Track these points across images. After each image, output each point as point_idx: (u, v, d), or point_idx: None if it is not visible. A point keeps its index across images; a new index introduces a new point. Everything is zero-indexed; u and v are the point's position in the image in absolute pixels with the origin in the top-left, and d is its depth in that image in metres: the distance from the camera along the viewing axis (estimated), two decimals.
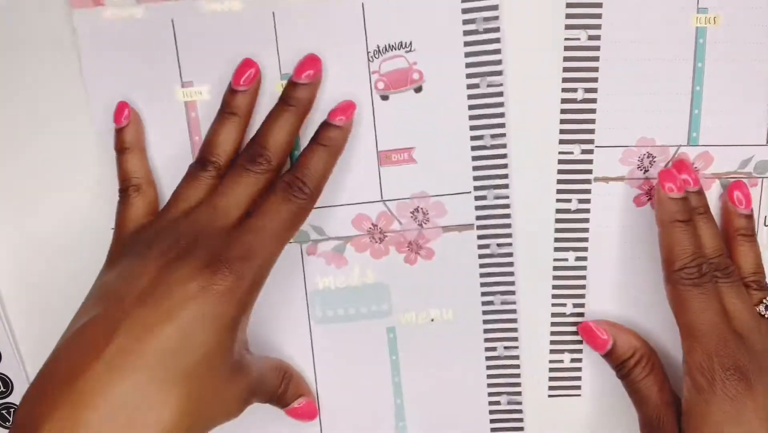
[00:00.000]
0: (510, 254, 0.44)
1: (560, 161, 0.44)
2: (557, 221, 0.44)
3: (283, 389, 0.43)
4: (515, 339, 0.45)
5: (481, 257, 0.44)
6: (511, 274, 0.45)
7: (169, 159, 0.43)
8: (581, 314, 0.45)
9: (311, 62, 0.42)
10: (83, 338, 0.36)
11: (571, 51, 0.42)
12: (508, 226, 0.44)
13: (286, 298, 0.45)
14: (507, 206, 0.44)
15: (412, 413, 0.46)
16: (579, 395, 0.46)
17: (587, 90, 0.43)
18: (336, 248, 0.44)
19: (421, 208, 0.44)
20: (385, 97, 0.43)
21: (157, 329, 0.35)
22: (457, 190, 0.44)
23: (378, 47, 0.42)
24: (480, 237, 0.44)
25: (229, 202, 0.39)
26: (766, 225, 0.45)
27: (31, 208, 0.44)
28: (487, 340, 0.45)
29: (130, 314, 0.36)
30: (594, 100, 0.43)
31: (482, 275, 0.45)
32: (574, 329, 0.45)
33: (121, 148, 0.43)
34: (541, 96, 0.43)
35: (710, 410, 0.39)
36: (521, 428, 0.46)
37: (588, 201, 0.44)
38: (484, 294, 0.45)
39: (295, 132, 0.42)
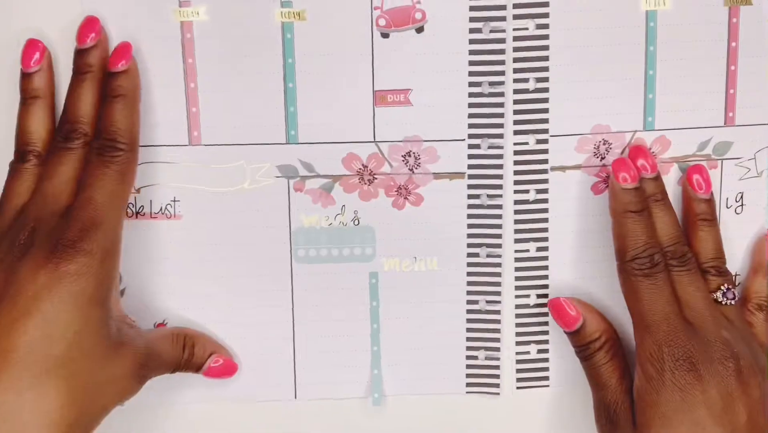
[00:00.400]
0: (499, 206, 0.44)
1: (516, 152, 0.43)
2: (516, 212, 0.44)
3: (188, 354, 0.43)
4: (498, 294, 0.45)
5: (470, 207, 0.44)
6: (499, 227, 0.44)
7: (160, 83, 0.42)
8: (545, 305, 0.45)
9: (90, 25, 0.41)
10: None
11: (520, 41, 0.42)
12: (500, 177, 0.43)
13: (269, 234, 0.44)
14: (500, 156, 0.43)
15: (388, 362, 0.45)
16: (547, 386, 0.46)
17: (538, 80, 0.43)
18: (324, 186, 0.44)
19: (413, 153, 0.43)
20: (385, 35, 0.42)
21: (19, 324, 0.35)
22: (451, 137, 0.43)
23: None
24: (470, 186, 0.44)
25: (57, 184, 0.39)
26: (728, 207, 0.44)
27: None
28: (469, 293, 0.45)
29: None
30: (546, 90, 0.43)
31: (470, 226, 0.44)
32: (538, 320, 0.45)
33: (27, 97, 0.41)
34: None
35: (660, 399, 0.39)
36: (497, 384, 0.46)
37: (546, 191, 0.44)
38: (470, 245, 0.44)
39: (100, 95, 0.41)
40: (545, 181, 0.44)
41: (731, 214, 0.44)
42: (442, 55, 0.42)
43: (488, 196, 0.44)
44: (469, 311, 0.45)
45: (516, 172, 0.44)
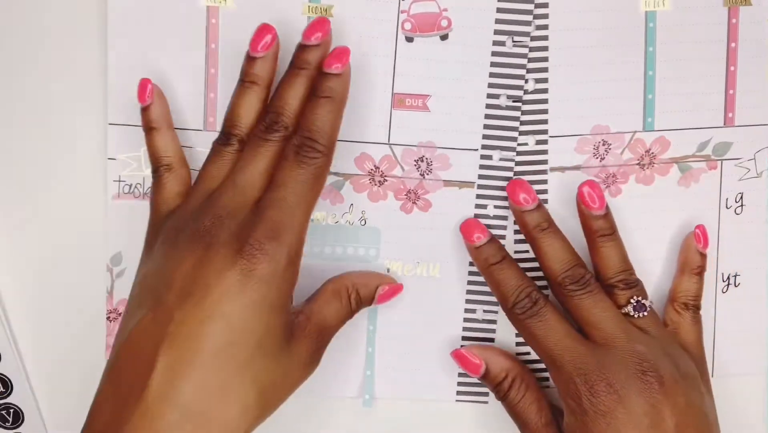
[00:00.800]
0: (505, 217, 0.44)
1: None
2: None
3: (355, 303, 0.42)
4: (496, 303, 0.44)
5: (476, 216, 0.44)
6: (502, 238, 0.44)
7: (181, 66, 0.42)
8: None
9: (320, 24, 0.40)
10: (136, 347, 0.36)
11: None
12: (505, 189, 0.43)
13: None
14: (511, 169, 0.43)
15: (382, 364, 0.45)
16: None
17: (538, 80, 0.43)
18: (334, 183, 0.43)
19: (426, 158, 0.43)
20: (410, 39, 0.42)
21: (205, 328, 0.35)
22: (465, 146, 0.43)
23: None
24: (479, 196, 0.44)
25: (250, 176, 0.38)
26: (727, 207, 0.44)
27: (31, 208, 0.44)
28: (468, 301, 0.45)
29: (174, 318, 0.35)
30: (545, 90, 0.43)
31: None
32: None
33: (148, 128, 0.41)
34: None
35: (585, 428, 0.39)
36: (486, 393, 0.45)
37: (545, 192, 0.44)
38: (472, 263, 0.44)
39: (309, 94, 0.40)
40: (545, 181, 0.44)
41: (731, 214, 0.44)
42: (463, 64, 0.42)
43: (495, 207, 0.44)
44: (466, 320, 0.45)
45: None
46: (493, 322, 0.45)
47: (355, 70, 0.42)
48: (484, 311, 0.45)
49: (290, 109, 0.39)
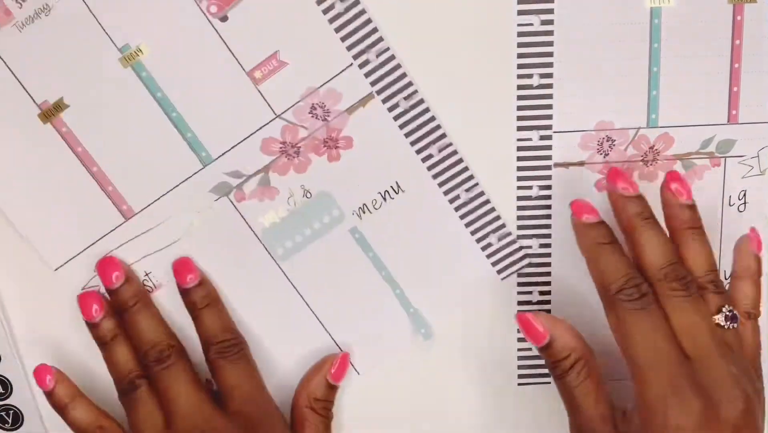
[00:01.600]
0: (419, 102, 0.42)
1: (519, 148, 0.43)
2: (519, 208, 0.44)
3: (323, 410, 0.44)
4: (471, 178, 0.43)
5: (395, 118, 0.43)
6: (432, 120, 0.43)
7: (60, 183, 0.43)
8: (548, 301, 0.45)
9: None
10: None
11: (525, 37, 0.42)
12: (403, 76, 0.42)
13: (244, 253, 0.44)
14: (392, 58, 0.42)
15: (417, 297, 0.45)
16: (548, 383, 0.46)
17: (542, 75, 0.43)
18: (260, 181, 0.43)
19: (317, 104, 0.42)
20: (224, 19, 0.41)
21: None
22: (340, 69, 0.42)
23: None
24: (384, 101, 0.42)
25: (183, 404, 0.41)
26: (730, 205, 0.44)
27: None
28: (446, 192, 0.44)
29: None
30: (550, 86, 0.43)
31: (406, 135, 0.43)
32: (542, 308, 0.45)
33: (62, 406, 0.43)
34: (496, 83, 0.43)
35: None
36: (524, 256, 0.45)
37: (549, 187, 0.44)
38: (417, 151, 0.43)
39: (159, 315, 0.44)
40: (548, 177, 0.44)
41: (734, 212, 0.44)
42: None
43: (404, 98, 0.42)
44: (456, 208, 0.44)
45: (519, 168, 0.44)
46: (482, 194, 0.44)
47: (203, 74, 0.41)
48: (466, 190, 0.44)
49: (162, 335, 0.42)
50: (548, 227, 0.44)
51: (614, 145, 0.43)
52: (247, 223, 0.44)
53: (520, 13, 0.42)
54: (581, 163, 0.44)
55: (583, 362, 0.40)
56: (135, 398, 0.42)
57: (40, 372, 0.43)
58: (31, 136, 0.42)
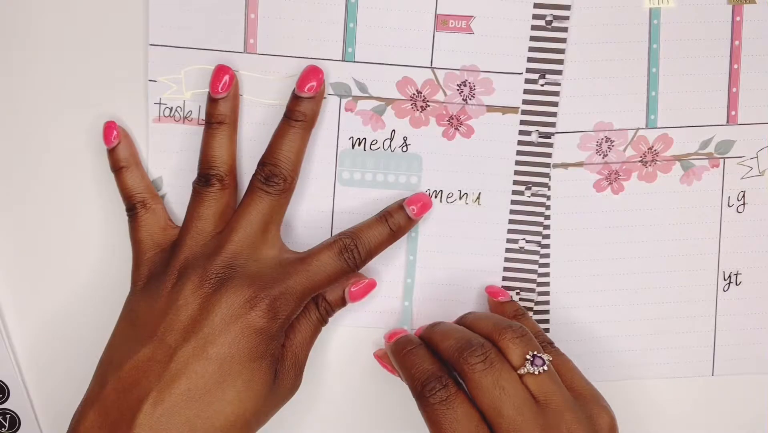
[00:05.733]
0: (550, 144, 0.43)
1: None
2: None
3: (324, 312, 0.42)
4: (539, 234, 0.44)
5: (520, 143, 0.43)
6: (547, 165, 0.43)
7: None
8: (546, 302, 0.45)
9: (313, 74, 0.41)
10: (131, 381, 0.38)
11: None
12: (554, 114, 0.43)
13: (316, 153, 0.43)
14: (556, 93, 0.43)
15: (420, 295, 0.44)
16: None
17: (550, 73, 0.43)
18: (376, 108, 0.43)
19: (469, 83, 0.43)
20: None
21: (201, 369, 0.38)
22: (509, 70, 0.42)
23: None
24: (522, 122, 0.43)
25: (251, 225, 0.40)
26: (729, 206, 0.44)
27: (30, 214, 0.44)
28: (510, 231, 0.44)
29: (175, 357, 0.38)
30: (558, 83, 0.43)
31: (517, 163, 0.43)
32: (538, 317, 0.45)
33: (117, 168, 0.42)
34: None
35: None
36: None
37: (548, 187, 0.44)
38: (516, 183, 0.43)
39: (305, 146, 0.42)
40: (547, 176, 0.44)
41: (732, 212, 0.44)
42: None
43: (539, 134, 0.43)
44: (508, 249, 0.44)
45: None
46: (535, 253, 0.44)
47: None
48: (526, 241, 0.44)
49: (287, 161, 0.41)
50: (547, 227, 0.44)
51: (613, 146, 0.43)
52: (338, 132, 0.43)
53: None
54: (580, 164, 0.44)
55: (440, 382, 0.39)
56: (209, 191, 0.41)
57: (108, 128, 0.42)
58: None
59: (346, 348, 0.45)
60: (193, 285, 0.39)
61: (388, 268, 0.44)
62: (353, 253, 0.40)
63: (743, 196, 0.44)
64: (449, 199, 0.43)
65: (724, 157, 0.44)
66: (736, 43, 0.43)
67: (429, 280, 0.44)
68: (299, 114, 0.41)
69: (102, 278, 0.44)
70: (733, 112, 0.43)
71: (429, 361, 0.39)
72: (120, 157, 0.42)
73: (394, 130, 0.43)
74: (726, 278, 0.45)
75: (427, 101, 0.43)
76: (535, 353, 0.38)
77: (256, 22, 0.42)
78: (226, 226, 0.41)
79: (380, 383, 0.45)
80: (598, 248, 0.44)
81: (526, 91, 0.43)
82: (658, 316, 0.45)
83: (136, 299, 0.40)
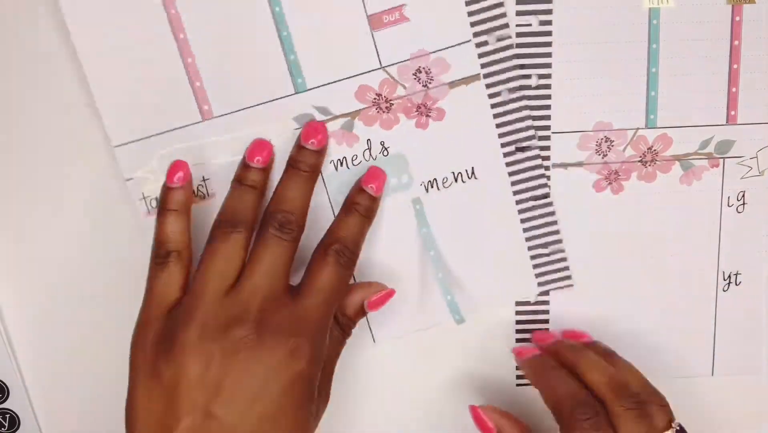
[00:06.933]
0: (522, 98, 0.43)
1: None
2: (520, 211, 0.44)
3: (346, 327, 0.43)
4: (545, 186, 0.44)
5: (493, 106, 0.43)
6: (527, 119, 0.43)
7: (159, 58, 0.41)
8: (546, 302, 0.45)
9: (317, 129, 0.42)
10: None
11: (524, 37, 0.42)
12: (515, 68, 0.42)
13: None
14: (510, 47, 0.42)
15: (458, 284, 0.45)
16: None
17: (541, 76, 0.43)
18: (344, 125, 0.43)
19: (423, 68, 0.42)
20: None
21: (252, 427, 0.37)
22: (457, 41, 0.42)
23: None
24: (488, 86, 0.42)
25: (274, 275, 0.39)
26: (729, 205, 0.44)
27: (29, 214, 0.44)
28: (516, 192, 0.44)
29: (224, 425, 0.36)
30: (548, 86, 0.43)
31: (498, 125, 0.43)
32: (537, 317, 0.45)
33: (168, 209, 0.40)
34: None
35: None
36: (569, 276, 0.45)
37: (547, 187, 0.44)
38: (503, 145, 0.43)
39: (311, 194, 0.41)
40: (546, 177, 0.44)
41: (732, 212, 0.44)
42: None
43: (509, 90, 0.43)
44: (520, 211, 0.44)
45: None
46: (549, 205, 0.44)
47: (322, 4, 0.41)
48: (536, 198, 0.44)
49: (298, 209, 0.40)
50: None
51: (613, 145, 0.43)
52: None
53: (519, 13, 0.42)
54: (580, 164, 0.44)
55: None
56: (230, 236, 0.39)
57: (176, 166, 0.41)
58: (139, 8, 0.40)
59: (408, 356, 0.46)
60: (223, 345, 0.37)
61: (413, 271, 0.44)
62: (345, 253, 0.40)
63: (743, 196, 0.44)
64: (445, 185, 0.43)
65: (724, 157, 0.44)
66: (736, 43, 0.42)
67: (459, 267, 0.44)
68: (304, 165, 0.41)
69: (102, 277, 0.44)
70: (732, 112, 0.43)
71: (577, 384, 0.40)
72: (176, 199, 0.41)
73: (369, 140, 0.43)
74: (726, 278, 0.45)
75: (390, 100, 0.42)
76: (681, 425, 0.38)
77: (204, 88, 0.42)
78: (244, 280, 0.38)
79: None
80: (597, 247, 0.44)
81: (480, 55, 0.42)
82: (657, 316, 0.45)
83: (159, 365, 0.37)
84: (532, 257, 0.44)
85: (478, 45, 0.42)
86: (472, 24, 0.42)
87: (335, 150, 0.43)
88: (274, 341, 0.37)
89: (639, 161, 0.44)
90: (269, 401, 0.37)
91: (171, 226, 0.40)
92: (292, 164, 0.41)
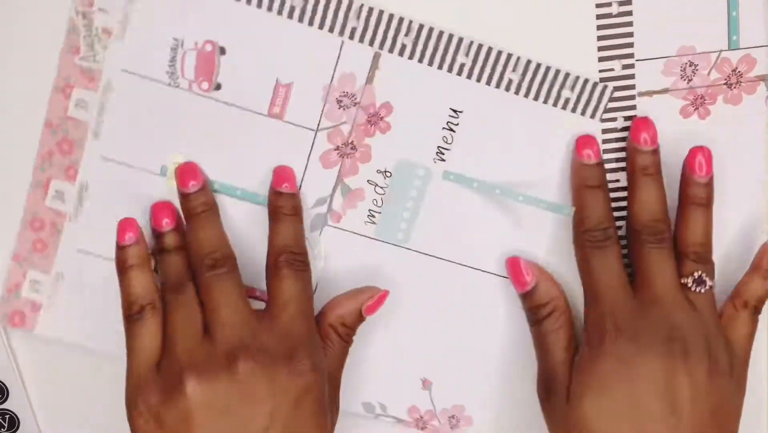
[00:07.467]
0: (420, 27, 0.41)
1: (601, 79, 0.43)
2: (604, 141, 0.43)
3: (346, 336, 0.43)
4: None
5: (410, 57, 0.42)
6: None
7: None
8: None
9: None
10: None
11: None
12: (390, 18, 0.41)
13: (374, 262, 0.44)
14: (362, 6, 0.41)
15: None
16: None
17: (621, 3, 0.42)
18: (343, 192, 0.43)
19: (339, 96, 0.42)
20: (218, 87, 0.42)
21: None
22: (335, 54, 0.41)
23: None
24: (390, 51, 0.42)
25: (231, 306, 0.39)
26: None
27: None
28: (498, 84, 0.42)
29: None
30: (630, 13, 0.42)
31: (429, 64, 0.42)
32: None
33: (126, 266, 0.41)
34: (575, 13, 0.42)
35: (598, 369, 0.39)
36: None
37: (633, 117, 0.43)
38: (454, 72, 0.42)
39: (222, 227, 0.42)
40: (633, 107, 0.43)
41: None
42: None
43: (405, 35, 0.41)
44: (516, 91, 0.43)
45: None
46: None
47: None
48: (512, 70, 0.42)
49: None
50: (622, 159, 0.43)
51: (697, 69, 0.43)
52: (358, 234, 0.44)
53: None
54: (665, 91, 0.43)
55: (560, 311, 0.42)
56: (178, 299, 0.40)
57: (124, 225, 0.41)
58: None
59: None
60: (229, 387, 0.37)
61: (492, 221, 0.44)
62: (295, 259, 0.41)
63: None
64: (449, 140, 0.43)
65: None
66: None
67: (522, 178, 0.44)
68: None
69: (102, 277, 0.43)
70: None
71: (603, 209, 0.41)
72: (133, 254, 0.41)
73: (368, 180, 0.43)
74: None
75: (348, 142, 0.43)
76: (702, 274, 0.40)
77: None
78: (211, 324, 0.39)
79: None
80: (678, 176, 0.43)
81: (360, 41, 0.41)
82: None
83: (164, 418, 0.38)
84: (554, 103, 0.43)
85: (351, 37, 0.41)
86: (330, 30, 0.41)
87: (358, 214, 0.44)
88: (271, 364, 0.38)
89: (724, 84, 0.43)
90: (283, 425, 0.37)
91: (136, 280, 0.40)
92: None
